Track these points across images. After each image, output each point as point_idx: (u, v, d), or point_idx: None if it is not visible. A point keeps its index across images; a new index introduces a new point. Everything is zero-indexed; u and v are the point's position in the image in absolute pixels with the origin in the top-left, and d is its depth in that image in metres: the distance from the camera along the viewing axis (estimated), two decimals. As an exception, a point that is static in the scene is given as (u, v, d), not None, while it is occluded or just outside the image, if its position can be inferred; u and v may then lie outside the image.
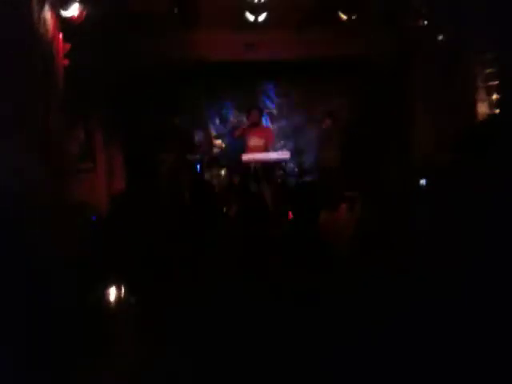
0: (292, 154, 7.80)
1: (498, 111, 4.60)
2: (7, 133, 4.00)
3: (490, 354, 1.60)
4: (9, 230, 2.76)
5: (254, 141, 7.61)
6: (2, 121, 3.90)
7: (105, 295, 2.89)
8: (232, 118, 9.02)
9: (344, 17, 5.74)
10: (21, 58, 4.53)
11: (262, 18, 5.69)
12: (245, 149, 7.60)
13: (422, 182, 5.85)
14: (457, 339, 1.70)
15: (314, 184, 8.04)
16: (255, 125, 7.66)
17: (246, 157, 7.36)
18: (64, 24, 5.24)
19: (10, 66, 4.39)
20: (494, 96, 4.91)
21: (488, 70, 4.94)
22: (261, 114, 7.94)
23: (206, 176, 8.27)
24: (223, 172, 7.75)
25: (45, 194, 4.59)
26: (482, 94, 5.07)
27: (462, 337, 1.68)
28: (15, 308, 2.24)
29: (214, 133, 8.93)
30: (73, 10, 5.08)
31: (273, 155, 7.41)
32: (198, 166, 8.02)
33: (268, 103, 8.99)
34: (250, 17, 5.69)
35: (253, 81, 8.78)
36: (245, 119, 7.97)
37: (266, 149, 7.54)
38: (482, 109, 5.02)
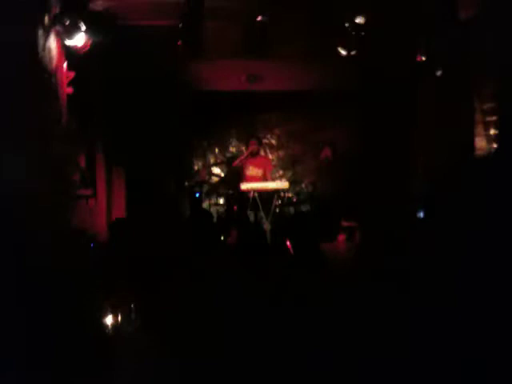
0: (290, 184, 7.84)
1: (495, 146, 4.66)
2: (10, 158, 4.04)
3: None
4: (8, 253, 2.78)
5: (252, 170, 7.71)
6: (5, 146, 3.95)
7: (103, 320, 2.90)
8: (231, 147, 9.10)
9: (343, 52, 5.83)
10: (25, 85, 4.60)
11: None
12: (243, 178, 7.68)
13: (420, 214, 5.89)
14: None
15: (313, 214, 8.10)
16: (254, 154, 7.77)
17: (244, 186, 7.42)
18: (69, 53, 5.33)
19: (14, 91, 4.46)
20: (492, 131, 4.98)
21: (487, 105, 5.02)
22: (259, 144, 8.04)
23: (205, 204, 8.31)
24: (222, 200, 7.78)
25: (45, 220, 4.61)
26: (480, 129, 5.14)
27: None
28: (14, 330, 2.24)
29: (212, 161, 8.98)
30: (78, 40, 5.16)
31: (271, 184, 7.46)
32: (197, 194, 8.07)
33: (267, 133, 9.06)
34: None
35: (252, 110, 8.87)
36: (244, 148, 8.07)
37: (264, 178, 7.63)
38: (481, 143, 5.08)
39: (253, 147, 7.81)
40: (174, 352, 2.64)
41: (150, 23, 5.80)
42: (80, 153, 6.07)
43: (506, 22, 4.56)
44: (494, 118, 4.86)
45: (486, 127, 5.01)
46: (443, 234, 2.76)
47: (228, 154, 9.05)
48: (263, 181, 7.54)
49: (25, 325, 2.25)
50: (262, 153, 8.39)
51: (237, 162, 7.85)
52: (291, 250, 5.35)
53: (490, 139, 4.89)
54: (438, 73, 5.62)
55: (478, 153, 4.92)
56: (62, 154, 5.17)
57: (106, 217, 6.66)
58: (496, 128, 4.80)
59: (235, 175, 7.97)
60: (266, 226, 7.09)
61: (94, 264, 4.42)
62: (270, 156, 8.85)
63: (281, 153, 9.09)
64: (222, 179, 8.70)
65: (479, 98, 5.17)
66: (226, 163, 8.55)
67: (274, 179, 7.75)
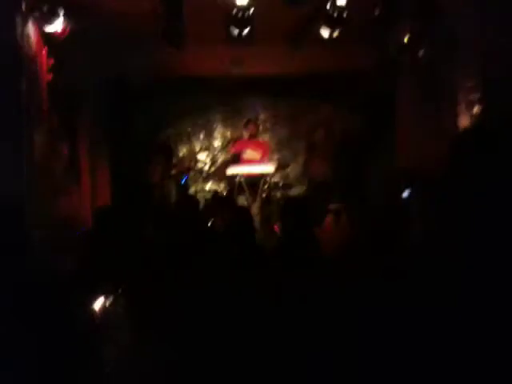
0: (277, 168, 7.83)
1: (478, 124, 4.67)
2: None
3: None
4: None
5: (249, 154, 7.68)
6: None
7: (94, 308, 2.87)
8: (216, 132, 9.04)
9: (325, 34, 5.77)
10: (4, 74, 4.53)
11: (247, 32, 5.70)
12: (239, 161, 7.67)
13: (405, 194, 5.90)
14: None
15: (300, 197, 8.10)
16: (253, 137, 7.76)
17: (230, 170, 7.40)
18: (48, 39, 5.24)
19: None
20: (475, 109, 4.98)
21: (470, 83, 5.02)
22: (257, 127, 8.02)
23: (191, 190, 8.27)
24: (208, 186, 7.75)
25: (31, 211, 4.56)
26: (463, 108, 5.15)
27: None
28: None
29: (198, 147, 8.92)
30: (56, 26, 5.07)
31: (257, 168, 7.44)
32: (183, 181, 8.04)
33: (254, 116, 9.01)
34: (235, 31, 5.70)
35: (239, 95, 8.81)
36: (229, 134, 8.01)
37: (262, 162, 7.60)
38: (464, 122, 5.10)
39: (252, 130, 7.80)
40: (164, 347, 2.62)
41: (130, 9, 5.70)
42: (63, 141, 5.99)
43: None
44: (478, 95, 4.86)
45: (469, 106, 5.02)
46: (430, 214, 2.74)
47: (214, 140, 9.00)
48: (260, 164, 7.50)
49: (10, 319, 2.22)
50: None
51: (235, 147, 7.82)
52: (279, 234, 5.35)
53: (473, 117, 4.90)
54: (420, 53, 5.60)
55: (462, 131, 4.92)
56: (44, 143, 5.11)
57: (91, 204, 6.61)
58: (480, 105, 4.80)
59: (223, 161, 7.95)
60: (254, 210, 7.09)
61: (79, 255, 4.39)
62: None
63: (267, 137, 9.04)
64: (209, 165, 8.64)
65: (462, 77, 5.17)
66: (227, 145, 8.43)
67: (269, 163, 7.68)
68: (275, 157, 8.74)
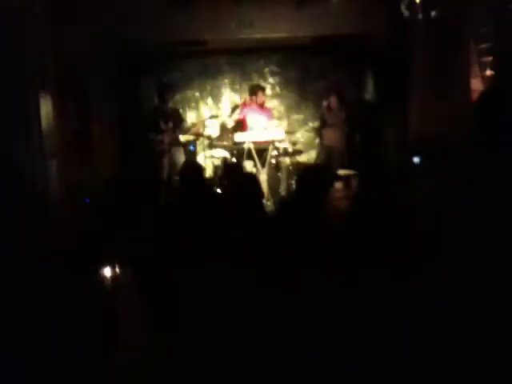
0: (286, 134, 7.75)
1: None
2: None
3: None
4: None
5: (253, 120, 7.62)
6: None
7: (101, 280, 2.87)
8: (225, 97, 8.94)
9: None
10: (12, 38, 4.47)
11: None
12: (244, 128, 7.60)
13: (416, 160, 5.83)
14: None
15: (311, 162, 8.07)
16: (261, 106, 7.69)
17: (238, 137, 7.35)
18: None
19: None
20: (488, 72, 4.88)
21: (483, 45, 4.89)
22: (264, 92, 7.92)
23: (200, 157, 8.24)
24: (217, 152, 7.70)
25: (38, 176, 4.56)
26: (476, 70, 5.04)
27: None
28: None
29: (207, 113, 8.84)
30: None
31: (266, 135, 7.38)
32: (192, 148, 8.00)
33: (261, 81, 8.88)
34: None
35: (248, 58, 8.69)
36: (246, 99, 7.92)
37: (265, 128, 7.53)
38: (477, 85, 4.99)
39: (260, 97, 7.71)
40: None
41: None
42: (72, 108, 5.95)
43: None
44: (490, 58, 4.74)
45: (482, 68, 4.91)
46: (442, 180, 2.68)
47: (222, 106, 8.91)
48: (266, 130, 7.45)
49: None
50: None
51: (240, 114, 7.75)
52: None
53: (485, 80, 4.79)
54: (433, 13, 5.44)
55: (475, 95, 4.82)
56: (52, 109, 5.07)
57: (100, 172, 6.59)
58: (492, 68, 4.69)
59: (235, 127, 7.88)
60: (262, 176, 7.06)
61: (89, 219, 4.39)
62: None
63: (276, 102, 8.95)
64: (217, 131, 8.57)
65: (474, 40, 5.04)
66: (231, 111, 8.34)
67: (270, 128, 7.62)
68: (284, 122, 8.67)
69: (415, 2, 5.46)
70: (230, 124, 8.05)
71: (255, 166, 7.24)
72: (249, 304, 2.64)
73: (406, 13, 5.65)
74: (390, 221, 2.91)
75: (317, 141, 8.43)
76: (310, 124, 8.83)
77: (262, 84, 8.45)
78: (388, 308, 2.30)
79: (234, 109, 8.07)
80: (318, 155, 8.03)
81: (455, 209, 1.85)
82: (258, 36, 7.47)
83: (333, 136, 7.70)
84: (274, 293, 2.67)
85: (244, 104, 7.92)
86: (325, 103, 7.81)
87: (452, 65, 5.61)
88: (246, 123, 7.70)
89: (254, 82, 8.56)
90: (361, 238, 2.93)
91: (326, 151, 7.77)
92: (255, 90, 7.80)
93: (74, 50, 5.78)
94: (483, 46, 4.96)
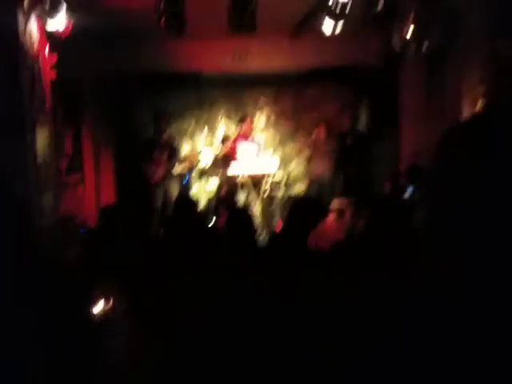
0: (280, 164, 7.79)
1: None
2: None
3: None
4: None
5: (244, 151, 7.60)
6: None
7: (95, 307, 2.87)
8: (221, 128, 8.96)
9: (328, 30, 5.72)
10: (7, 70, 4.52)
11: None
12: (234, 160, 7.61)
13: (409, 189, 5.88)
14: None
15: (303, 194, 8.07)
16: (247, 135, 7.71)
17: (233, 169, 7.33)
18: (51, 35, 5.23)
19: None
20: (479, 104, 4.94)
21: (475, 76, 4.98)
22: (252, 126, 7.96)
23: (194, 188, 8.23)
24: (210, 185, 7.70)
25: (33, 208, 4.56)
26: (469, 102, 5.12)
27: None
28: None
29: (201, 144, 8.86)
30: (59, 23, 5.05)
31: (260, 167, 7.38)
32: (185, 180, 7.98)
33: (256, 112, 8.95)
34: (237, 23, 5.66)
35: (242, 90, 8.76)
36: (234, 129, 7.97)
37: (256, 159, 7.52)
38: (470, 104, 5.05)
39: (247, 128, 7.74)
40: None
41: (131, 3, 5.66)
42: (66, 138, 5.99)
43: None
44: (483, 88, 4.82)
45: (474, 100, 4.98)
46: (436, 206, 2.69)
47: (217, 137, 8.94)
48: (258, 162, 7.45)
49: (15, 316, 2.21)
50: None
51: (228, 146, 7.75)
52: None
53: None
54: (424, 45, 5.53)
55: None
56: (47, 140, 5.10)
57: (95, 202, 6.61)
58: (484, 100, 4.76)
59: (225, 159, 7.88)
60: (256, 209, 7.06)
61: (84, 250, 4.39)
62: (260, 135, 8.73)
63: (270, 132, 8.99)
64: (212, 162, 8.58)
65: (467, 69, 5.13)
66: (221, 143, 8.39)
67: (264, 160, 7.64)
68: (279, 152, 8.69)
69: (407, 37, 5.57)
70: (221, 155, 8.02)
71: (249, 198, 7.23)
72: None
73: (397, 46, 5.76)
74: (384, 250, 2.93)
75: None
76: (303, 155, 8.87)
77: (257, 114, 8.52)
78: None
79: (224, 140, 8.04)
80: (308, 187, 8.03)
81: (454, 236, 1.87)
82: (254, 67, 7.57)
83: (320, 167, 7.71)
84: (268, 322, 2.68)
85: (235, 135, 7.94)
86: (313, 135, 7.88)
87: (443, 97, 5.70)
88: (235, 154, 7.64)
89: (249, 112, 8.60)
90: (353, 268, 2.94)
91: (315, 183, 7.77)
92: (243, 121, 7.86)
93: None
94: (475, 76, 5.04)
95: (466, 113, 5.16)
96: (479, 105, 4.90)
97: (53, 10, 4.98)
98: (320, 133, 7.79)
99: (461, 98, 5.22)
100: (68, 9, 5.04)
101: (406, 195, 5.79)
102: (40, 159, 4.86)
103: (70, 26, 5.16)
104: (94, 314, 2.72)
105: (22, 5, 4.72)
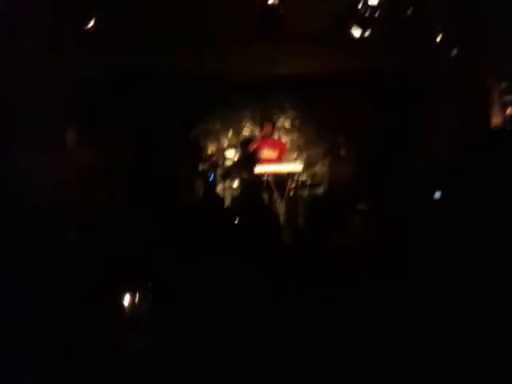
0: (304, 167, 7.81)
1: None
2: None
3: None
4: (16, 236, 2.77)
5: (266, 153, 7.73)
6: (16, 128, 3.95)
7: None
8: (246, 130, 9.02)
9: (357, 34, 5.70)
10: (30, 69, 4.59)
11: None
12: (258, 161, 7.69)
13: (437, 195, 5.80)
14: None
15: (327, 197, 8.05)
16: (268, 138, 7.81)
17: (258, 169, 7.42)
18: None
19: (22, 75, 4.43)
20: (509, 110, 4.88)
21: (503, 84, 4.92)
22: (274, 128, 8.06)
23: (219, 188, 8.29)
24: (236, 184, 7.76)
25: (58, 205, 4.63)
26: (496, 109, 5.05)
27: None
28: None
29: (226, 145, 8.92)
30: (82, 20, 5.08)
31: (285, 167, 7.45)
32: (211, 178, 8.07)
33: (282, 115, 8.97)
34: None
35: (267, 94, 8.79)
36: (258, 132, 8.10)
37: (279, 161, 7.64)
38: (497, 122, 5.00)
39: (267, 131, 7.85)
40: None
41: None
42: (91, 139, 6.04)
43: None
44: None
45: (503, 107, 4.92)
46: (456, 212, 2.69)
47: (241, 137, 9.00)
48: (278, 163, 7.56)
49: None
50: (276, 136, 8.37)
51: (252, 146, 7.87)
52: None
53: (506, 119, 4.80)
54: (452, 53, 5.49)
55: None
56: (72, 140, 5.17)
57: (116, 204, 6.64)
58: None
59: (249, 158, 7.95)
60: (280, 209, 7.08)
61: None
62: (284, 139, 8.76)
63: (295, 136, 9.01)
64: (235, 163, 8.64)
65: (496, 78, 5.06)
66: (240, 146, 8.49)
67: (288, 162, 7.72)
68: (304, 155, 8.71)
69: (434, 44, 5.52)
70: (245, 156, 8.13)
71: (274, 198, 7.27)
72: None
73: (425, 54, 5.72)
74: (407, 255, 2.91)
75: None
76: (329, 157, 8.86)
77: (282, 118, 8.56)
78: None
79: (247, 141, 8.19)
80: (331, 189, 8.06)
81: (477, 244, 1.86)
82: (280, 71, 7.59)
83: (341, 171, 7.76)
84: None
85: (260, 137, 8.03)
86: (336, 139, 7.94)
87: (470, 103, 5.63)
88: (259, 156, 7.80)
89: (274, 115, 8.65)
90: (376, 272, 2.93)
91: (338, 186, 7.81)
92: (262, 124, 8.06)
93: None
94: (504, 84, 4.98)
95: (496, 120, 5.10)
96: (509, 112, 4.85)
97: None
98: (341, 137, 7.83)
99: (489, 104, 5.16)
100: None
101: (429, 201, 5.73)
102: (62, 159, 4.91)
103: (93, 25, 5.18)
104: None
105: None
